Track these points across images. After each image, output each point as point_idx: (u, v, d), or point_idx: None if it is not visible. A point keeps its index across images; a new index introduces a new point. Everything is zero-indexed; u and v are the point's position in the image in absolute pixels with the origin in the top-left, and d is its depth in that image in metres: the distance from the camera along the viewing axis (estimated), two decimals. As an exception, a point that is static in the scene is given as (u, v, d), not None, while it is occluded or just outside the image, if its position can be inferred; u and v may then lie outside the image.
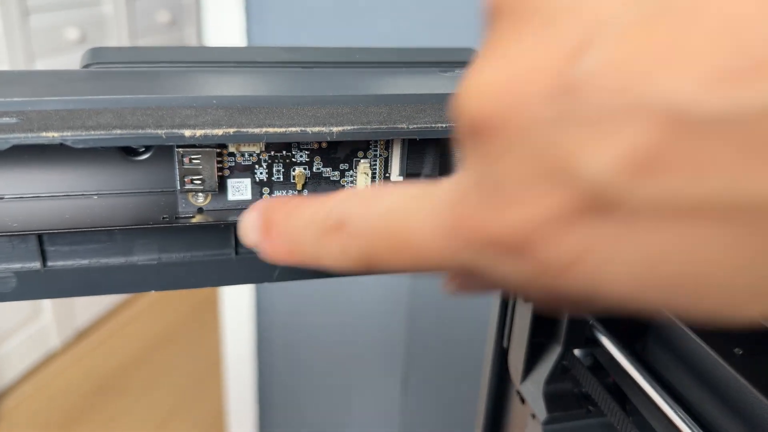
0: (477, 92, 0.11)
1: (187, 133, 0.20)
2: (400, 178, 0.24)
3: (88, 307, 1.63)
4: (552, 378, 0.32)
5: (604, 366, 0.31)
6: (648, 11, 0.09)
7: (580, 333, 0.31)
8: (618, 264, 0.10)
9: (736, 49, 0.08)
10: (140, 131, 0.19)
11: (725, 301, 0.10)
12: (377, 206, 0.15)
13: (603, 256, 0.10)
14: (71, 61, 1.41)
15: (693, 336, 0.25)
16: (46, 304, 1.50)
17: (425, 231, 0.13)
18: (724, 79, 0.08)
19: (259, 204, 0.20)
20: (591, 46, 0.10)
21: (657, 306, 0.11)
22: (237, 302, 1.02)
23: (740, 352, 0.23)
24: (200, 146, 0.21)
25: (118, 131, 0.19)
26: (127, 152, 0.22)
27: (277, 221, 0.18)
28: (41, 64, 1.37)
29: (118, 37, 1.58)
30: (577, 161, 0.10)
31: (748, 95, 0.08)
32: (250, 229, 0.20)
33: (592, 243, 0.10)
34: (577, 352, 0.32)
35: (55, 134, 0.19)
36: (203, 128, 0.20)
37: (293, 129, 0.21)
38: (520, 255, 0.11)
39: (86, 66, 0.26)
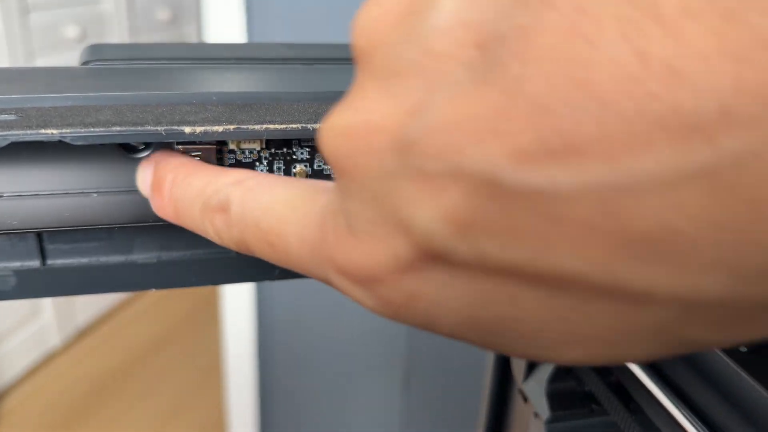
0: (331, 134, 0.12)
1: (187, 129, 0.19)
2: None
3: (89, 306, 1.63)
4: (555, 376, 0.32)
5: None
6: (480, 79, 0.09)
7: (583, 331, 0.31)
8: (445, 307, 0.11)
9: (548, 128, 0.08)
10: (140, 128, 0.19)
11: (540, 346, 0.11)
12: (259, 200, 0.15)
13: (432, 299, 0.11)
14: (71, 59, 1.41)
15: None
16: (46, 302, 1.50)
17: (294, 240, 0.14)
18: (533, 157, 0.09)
19: (156, 158, 0.20)
20: (427, 107, 0.10)
21: (482, 344, 0.12)
22: (237, 301, 1.02)
23: (745, 350, 0.23)
24: (200, 143, 0.21)
25: (118, 128, 0.19)
26: (127, 149, 0.21)
27: (168, 182, 0.19)
28: (41, 62, 1.37)
29: (118, 35, 1.58)
30: (410, 214, 0.10)
31: (553, 175, 0.09)
32: (142, 181, 0.20)
33: (424, 286, 0.11)
34: (579, 350, 0.32)
35: (54, 131, 0.18)
36: (203, 125, 0.20)
37: (294, 126, 0.20)
38: (364, 287, 0.12)
39: (85, 63, 0.26)
